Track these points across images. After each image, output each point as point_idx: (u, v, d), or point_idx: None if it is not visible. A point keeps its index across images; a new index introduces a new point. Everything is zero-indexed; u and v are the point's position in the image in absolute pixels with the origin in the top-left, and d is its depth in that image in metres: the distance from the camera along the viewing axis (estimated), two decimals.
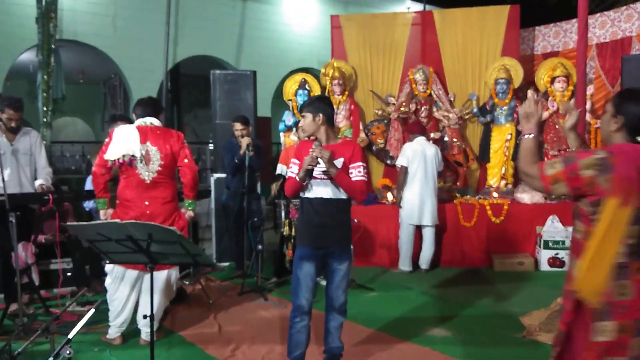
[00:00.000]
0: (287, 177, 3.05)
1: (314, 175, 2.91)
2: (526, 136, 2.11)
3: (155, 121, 3.74)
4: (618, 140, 1.99)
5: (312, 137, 3.11)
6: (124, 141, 3.56)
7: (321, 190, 2.94)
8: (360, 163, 2.99)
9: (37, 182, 4.44)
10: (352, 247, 5.04)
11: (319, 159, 2.84)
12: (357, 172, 2.97)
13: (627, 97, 2.00)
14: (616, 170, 1.85)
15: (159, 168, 3.63)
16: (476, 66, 6.86)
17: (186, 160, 3.76)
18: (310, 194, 2.95)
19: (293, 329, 2.98)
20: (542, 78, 6.66)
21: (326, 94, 6.70)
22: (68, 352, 2.37)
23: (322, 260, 3.02)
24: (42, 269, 4.66)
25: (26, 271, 4.24)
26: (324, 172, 2.90)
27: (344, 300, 3.08)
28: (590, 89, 6.65)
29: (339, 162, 2.92)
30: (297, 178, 2.91)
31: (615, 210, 1.85)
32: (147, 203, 3.61)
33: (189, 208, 3.93)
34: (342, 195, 2.96)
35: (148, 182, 3.62)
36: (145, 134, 3.63)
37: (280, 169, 5.71)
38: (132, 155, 3.56)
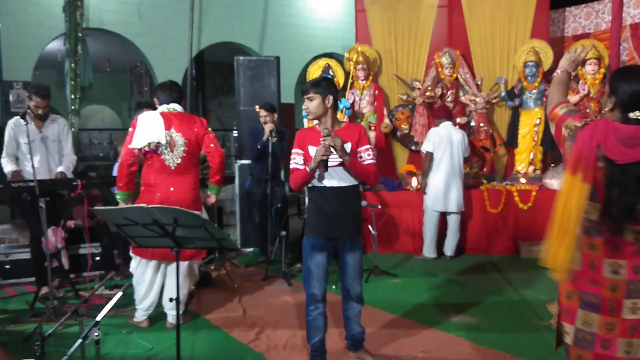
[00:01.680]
0: (291, 168, 2.88)
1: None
2: (559, 72, 2.26)
3: (178, 107, 3.75)
4: (615, 118, 1.97)
5: (315, 122, 2.98)
6: (149, 128, 3.57)
7: (333, 178, 2.84)
8: (369, 146, 2.93)
9: (58, 169, 4.51)
10: (375, 233, 5.05)
11: (332, 148, 2.70)
12: (367, 156, 2.89)
13: (618, 75, 2.00)
14: (576, 141, 1.93)
15: (183, 154, 3.65)
16: (504, 49, 6.69)
17: (212, 145, 3.78)
18: (320, 183, 2.85)
19: (309, 317, 2.97)
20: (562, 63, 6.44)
21: (350, 79, 6.64)
22: (96, 334, 2.41)
23: (334, 249, 2.97)
24: (71, 254, 4.78)
25: (56, 255, 4.35)
26: (336, 160, 2.79)
27: (360, 290, 3.07)
28: None
29: (347, 147, 2.80)
30: (308, 169, 2.76)
31: (571, 185, 1.90)
32: (172, 189, 3.63)
33: (213, 192, 3.95)
34: (353, 181, 2.88)
35: (173, 168, 3.64)
36: (169, 120, 3.65)
37: None
38: (158, 142, 3.57)
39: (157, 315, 3.89)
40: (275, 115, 5.44)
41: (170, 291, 3.68)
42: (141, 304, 3.77)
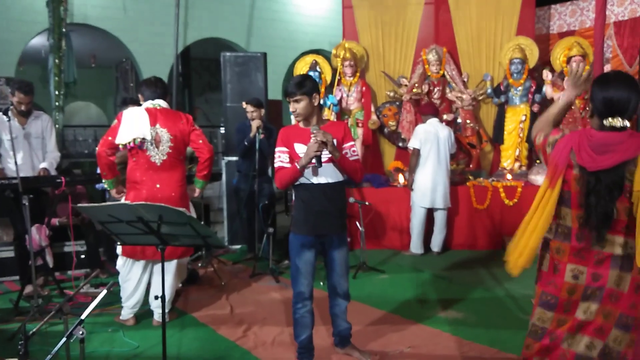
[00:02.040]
0: (277, 167, 2.84)
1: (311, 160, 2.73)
2: (562, 101, 2.20)
3: (163, 103, 3.72)
4: (594, 125, 2.04)
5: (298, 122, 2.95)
6: (134, 124, 3.53)
7: (319, 175, 2.83)
8: (353, 142, 2.95)
9: (40, 166, 4.45)
10: (363, 229, 5.06)
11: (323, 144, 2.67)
12: (352, 152, 2.90)
13: (595, 82, 2.06)
14: (553, 150, 2.03)
15: (169, 150, 3.62)
16: (490, 46, 6.74)
17: (201, 141, 3.75)
18: (307, 180, 2.83)
19: (297, 314, 2.97)
20: (557, 58, 6.52)
21: (337, 75, 6.63)
22: (81, 332, 2.38)
23: (321, 247, 2.96)
24: (56, 252, 4.72)
25: (40, 253, 4.29)
26: (325, 156, 2.77)
27: (346, 286, 3.08)
28: (607, 69, 6.50)
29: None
30: (298, 166, 2.73)
31: (544, 190, 2.01)
32: (158, 186, 3.60)
33: (198, 186, 3.92)
34: (340, 178, 2.88)
35: (159, 164, 3.60)
36: (154, 116, 3.61)
37: None
38: (143, 138, 3.53)
39: (143, 314, 3.86)
40: (263, 111, 5.42)
41: (156, 289, 3.66)
42: (127, 302, 3.74)
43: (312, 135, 2.70)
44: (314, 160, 2.69)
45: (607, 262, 1.98)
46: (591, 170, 1.93)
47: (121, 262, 3.72)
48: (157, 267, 3.67)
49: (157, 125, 3.60)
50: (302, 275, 2.90)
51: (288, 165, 2.82)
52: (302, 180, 2.84)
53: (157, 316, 3.71)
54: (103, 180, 3.71)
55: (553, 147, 2.04)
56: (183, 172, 3.77)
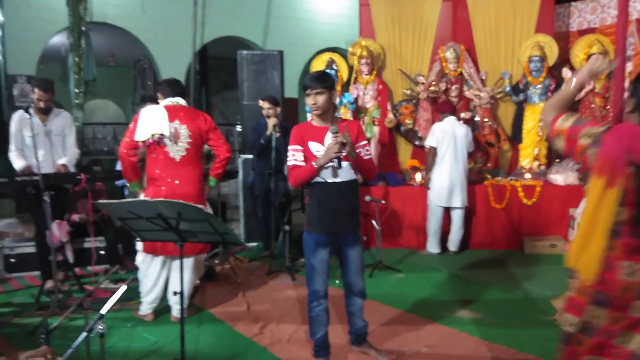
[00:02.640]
0: (290, 165, 2.82)
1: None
2: (573, 84, 2.11)
3: (182, 101, 3.76)
4: (632, 121, 1.98)
5: (309, 118, 2.95)
6: (153, 121, 3.58)
7: (328, 174, 2.82)
8: (366, 141, 2.95)
9: (59, 162, 4.49)
10: (379, 228, 5.05)
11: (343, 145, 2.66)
12: (365, 151, 2.89)
13: (637, 78, 1.99)
14: (602, 147, 1.89)
15: (188, 146, 3.65)
16: (509, 43, 6.66)
17: (221, 140, 3.84)
18: (322, 179, 2.82)
19: (313, 313, 2.97)
20: (577, 56, 6.42)
21: (354, 73, 6.61)
22: (101, 327, 2.41)
23: (335, 245, 2.95)
24: (76, 248, 4.80)
25: (61, 249, 4.36)
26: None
27: (363, 284, 3.07)
28: (629, 67, 6.39)
29: None
30: (316, 165, 2.72)
31: (601, 191, 1.88)
32: (177, 182, 3.62)
33: (211, 185, 3.98)
34: (353, 176, 2.88)
35: (178, 160, 3.63)
36: (173, 112, 3.65)
37: None
38: (161, 134, 3.56)
39: (162, 309, 3.91)
40: (279, 109, 5.43)
41: (175, 285, 3.69)
42: (146, 297, 3.78)
43: (332, 137, 2.69)
44: (334, 161, 2.69)
45: None
46: None
47: (141, 258, 3.77)
48: (176, 264, 3.71)
49: (176, 122, 3.63)
50: (317, 274, 2.90)
51: (302, 163, 2.81)
52: (317, 179, 2.83)
53: (176, 312, 3.74)
54: (128, 184, 3.77)
55: (597, 141, 1.91)
56: (201, 169, 3.80)
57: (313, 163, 2.74)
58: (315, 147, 2.82)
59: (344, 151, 2.67)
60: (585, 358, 2.06)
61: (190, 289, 3.91)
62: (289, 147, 2.86)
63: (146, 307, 3.81)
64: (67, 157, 4.57)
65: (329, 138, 2.77)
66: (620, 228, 1.93)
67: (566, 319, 2.09)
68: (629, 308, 1.95)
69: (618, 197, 1.88)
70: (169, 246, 3.56)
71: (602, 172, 1.89)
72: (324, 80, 2.80)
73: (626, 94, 5.96)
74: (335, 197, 2.83)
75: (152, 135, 3.54)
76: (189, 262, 3.73)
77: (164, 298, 3.86)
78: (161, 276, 3.76)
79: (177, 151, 3.63)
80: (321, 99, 2.80)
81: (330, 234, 2.89)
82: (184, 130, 3.63)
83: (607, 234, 1.91)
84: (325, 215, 2.85)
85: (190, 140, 3.65)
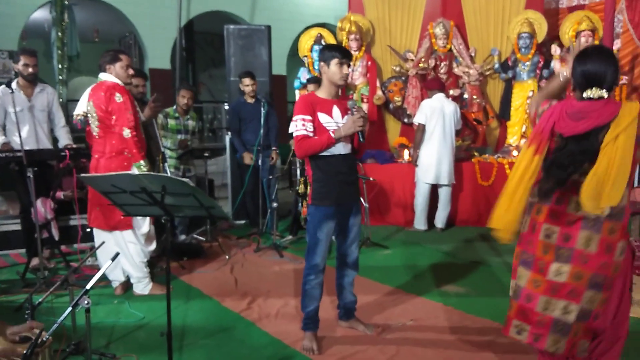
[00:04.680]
0: (300, 135, 2.79)
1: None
2: (565, 73, 2.32)
3: (103, 75, 3.73)
4: (576, 97, 2.16)
5: (310, 89, 3.01)
6: (80, 101, 3.85)
7: (340, 147, 2.84)
8: None
9: (64, 143, 4.56)
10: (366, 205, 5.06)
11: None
12: None
13: (575, 57, 2.17)
14: (539, 120, 2.16)
15: (98, 123, 3.67)
16: (498, 20, 6.62)
17: (114, 117, 3.60)
18: (330, 151, 2.83)
19: (307, 286, 2.98)
20: (566, 32, 6.41)
21: None
22: (86, 302, 2.41)
23: (340, 216, 2.97)
24: (61, 225, 4.74)
25: (46, 226, 4.32)
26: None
27: (357, 255, 3.11)
28: (617, 44, 6.38)
29: None
30: (335, 137, 2.74)
31: (530, 157, 2.10)
32: (96, 156, 3.70)
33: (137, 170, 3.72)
34: (352, 149, 2.94)
35: (97, 136, 3.71)
36: (92, 91, 3.73)
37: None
38: (85, 114, 3.75)
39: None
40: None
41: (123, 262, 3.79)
42: (111, 275, 3.86)
43: (355, 110, 2.76)
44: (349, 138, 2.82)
45: (578, 223, 2.09)
46: (566, 136, 2.06)
47: (98, 239, 3.84)
48: (113, 237, 3.78)
49: (91, 100, 3.69)
50: (321, 247, 2.91)
51: (312, 134, 2.80)
52: (327, 151, 2.83)
53: (137, 289, 3.86)
54: (143, 164, 3.65)
55: (541, 115, 2.20)
56: (118, 145, 3.64)
57: (332, 134, 2.77)
58: (324, 119, 2.83)
59: (364, 124, 2.77)
60: (514, 322, 2.24)
61: (135, 264, 3.80)
62: (298, 116, 2.81)
63: (114, 282, 3.90)
64: (66, 135, 4.63)
65: (336, 111, 2.85)
66: (550, 194, 2.13)
67: (511, 285, 2.29)
68: (547, 271, 2.12)
69: (539, 163, 2.10)
70: (95, 219, 3.74)
71: (532, 141, 2.12)
72: (349, 53, 2.90)
73: None
74: (342, 168, 2.88)
75: (77, 115, 3.81)
76: (120, 238, 3.75)
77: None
78: (122, 252, 3.70)
79: (95, 127, 3.70)
80: (348, 70, 2.88)
81: (338, 204, 2.91)
82: (92, 108, 3.68)
83: (524, 195, 2.10)
84: (333, 187, 2.88)
85: (98, 117, 3.66)
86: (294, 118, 2.83)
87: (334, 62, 2.81)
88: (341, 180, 2.88)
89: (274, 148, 5.30)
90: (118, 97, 3.57)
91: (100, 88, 3.66)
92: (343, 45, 6.50)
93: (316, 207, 2.90)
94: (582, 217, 2.07)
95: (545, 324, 2.13)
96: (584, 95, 2.08)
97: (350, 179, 2.94)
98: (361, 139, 2.81)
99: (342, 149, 2.86)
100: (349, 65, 2.86)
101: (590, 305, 2.10)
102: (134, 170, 3.61)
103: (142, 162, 3.64)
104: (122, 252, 3.64)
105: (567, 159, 2.03)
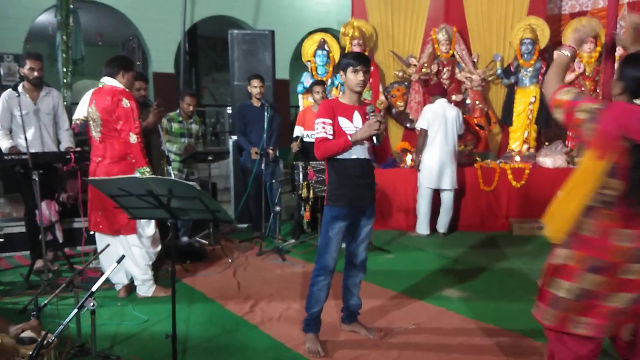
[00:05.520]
0: (319, 137, 2.89)
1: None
2: (563, 52, 2.30)
3: (107, 80, 3.75)
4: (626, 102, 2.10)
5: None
6: (80, 105, 3.86)
7: (357, 150, 2.92)
8: None
9: (65, 146, 4.58)
10: None
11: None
12: None
13: (627, 61, 2.12)
14: (600, 124, 2.00)
15: (101, 127, 3.70)
16: (501, 26, 6.65)
17: (121, 122, 3.63)
18: (346, 155, 2.91)
19: (315, 287, 3.00)
20: (569, 38, 6.42)
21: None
22: (92, 304, 2.44)
23: (352, 218, 3.01)
24: (65, 227, 4.77)
25: (50, 229, 4.34)
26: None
27: (365, 257, 3.14)
28: (619, 50, 6.41)
29: None
30: (352, 140, 2.83)
31: (591, 162, 2.02)
32: (98, 159, 3.73)
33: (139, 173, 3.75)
34: (369, 154, 3.00)
35: (98, 140, 3.73)
36: (94, 95, 3.76)
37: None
38: (81, 118, 3.80)
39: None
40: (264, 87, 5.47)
41: (127, 263, 3.83)
42: (114, 278, 3.88)
43: (372, 115, 2.84)
44: (373, 139, 2.88)
45: None
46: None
47: (100, 243, 3.87)
48: (118, 241, 3.82)
49: (93, 104, 3.72)
50: (332, 248, 2.95)
51: (332, 137, 2.88)
52: (343, 155, 2.91)
53: (141, 291, 3.88)
54: (147, 170, 3.68)
55: (594, 117, 2.02)
56: (121, 149, 3.67)
57: (349, 137, 2.85)
58: (344, 123, 2.91)
59: (381, 129, 2.84)
60: (573, 318, 2.15)
61: (140, 267, 3.83)
62: (319, 119, 2.91)
63: (118, 285, 3.92)
64: (68, 139, 4.66)
65: (357, 116, 2.92)
66: (614, 199, 2.04)
67: (559, 285, 2.16)
68: (619, 271, 2.06)
69: (606, 169, 1.99)
70: (98, 223, 3.79)
71: (597, 146, 2.00)
72: (370, 62, 2.96)
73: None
74: (358, 172, 2.94)
75: (77, 119, 3.83)
76: (125, 242, 3.78)
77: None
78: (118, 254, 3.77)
79: (96, 132, 3.73)
80: (368, 78, 2.94)
81: (351, 207, 2.95)
82: (95, 113, 3.70)
83: (585, 200, 2.03)
84: (348, 189, 2.93)
85: (101, 122, 3.68)
86: (316, 121, 2.93)
87: (350, 70, 2.90)
88: (356, 183, 2.94)
89: (270, 148, 5.32)
90: (125, 103, 3.62)
91: (105, 92, 3.68)
92: (346, 50, 6.53)
93: (330, 207, 2.97)
94: None
95: (605, 314, 2.12)
96: (636, 102, 2.05)
97: (365, 182, 2.99)
98: (375, 142, 2.90)
99: (360, 152, 2.93)
100: (366, 71, 2.90)
101: None
102: (137, 176, 3.63)
103: (146, 167, 3.67)
104: (127, 255, 3.66)
105: None
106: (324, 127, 2.89)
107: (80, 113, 4.03)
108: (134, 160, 3.67)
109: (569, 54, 2.31)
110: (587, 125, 2.04)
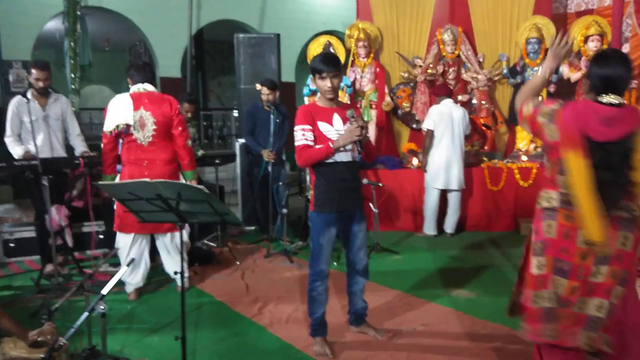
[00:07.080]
0: (300, 145, 2.81)
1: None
2: (540, 72, 2.31)
3: (149, 87, 3.83)
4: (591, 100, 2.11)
5: (315, 98, 3.00)
6: (118, 111, 3.72)
7: (342, 154, 2.86)
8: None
9: (80, 151, 4.64)
10: (376, 210, 5.08)
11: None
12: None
13: (593, 60, 2.15)
14: (558, 123, 2.05)
15: (154, 132, 3.75)
16: (507, 25, 6.63)
17: (180, 128, 3.83)
18: (332, 159, 2.84)
19: (314, 292, 2.99)
20: (575, 37, 6.40)
21: (351, 56, 6.59)
22: (102, 307, 2.46)
23: (342, 223, 2.98)
24: (75, 232, 4.82)
25: (60, 233, 4.38)
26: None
27: (366, 262, 3.12)
28: (626, 48, 6.38)
29: None
30: (333, 147, 2.75)
31: (581, 161, 2.00)
32: (145, 163, 3.76)
33: (189, 178, 3.95)
34: (356, 156, 2.93)
35: (145, 145, 3.77)
36: (140, 99, 3.75)
37: None
38: (126, 124, 3.70)
39: (158, 288, 3.97)
40: (277, 93, 5.43)
41: (168, 264, 3.96)
42: (128, 278, 3.90)
43: (353, 120, 2.76)
44: (353, 146, 2.80)
45: (615, 224, 2.07)
46: (599, 142, 2.00)
47: (119, 241, 3.92)
48: (160, 243, 3.94)
49: (142, 109, 3.73)
50: (324, 254, 2.93)
51: (312, 143, 2.82)
52: (327, 159, 2.85)
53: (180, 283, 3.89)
54: (103, 176, 3.86)
55: (551, 118, 2.08)
56: (171, 152, 3.85)
57: (330, 144, 2.78)
58: (324, 127, 2.84)
59: (363, 134, 2.75)
60: (547, 327, 2.16)
61: (185, 260, 3.88)
62: (298, 127, 2.84)
63: (130, 288, 3.94)
64: (82, 144, 4.70)
65: (337, 119, 2.84)
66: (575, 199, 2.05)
67: (543, 295, 2.16)
68: (588, 275, 2.09)
69: (587, 165, 2.01)
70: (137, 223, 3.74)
71: (572, 145, 2.01)
72: (339, 63, 2.86)
73: None
74: (344, 175, 2.88)
75: (117, 125, 3.70)
76: (168, 240, 3.88)
77: (149, 277, 4.01)
78: (143, 258, 3.90)
79: (144, 137, 3.76)
80: (337, 81, 2.83)
81: (339, 212, 2.92)
82: (148, 117, 3.73)
83: (592, 196, 2.01)
84: (334, 194, 2.88)
85: (155, 127, 3.74)
86: (295, 129, 2.86)
87: (317, 77, 2.83)
88: (342, 187, 2.88)
89: (269, 148, 5.31)
90: (181, 110, 3.85)
91: (157, 98, 3.81)
92: (352, 52, 6.54)
93: (317, 214, 2.92)
94: (617, 217, 2.06)
95: (578, 322, 2.13)
96: (604, 100, 2.05)
97: (352, 186, 2.93)
98: (359, 149, 2.78)
99: (344, 156, 2.86)
100: (334, 76, 2.78)
101: (616, 300, 2.11)
102: (184, 178, 3.92)
103: (197, 169, 3.90)
104: (172, 252, 3.87)
105: (612, 168, 2.00)
106: (303, 134, 2.82)
107: (121, 119, 3.71)
108: (187, 162, 3.88)
109: (544, 75, 2.31)
110: (549, 127, 2.08)
